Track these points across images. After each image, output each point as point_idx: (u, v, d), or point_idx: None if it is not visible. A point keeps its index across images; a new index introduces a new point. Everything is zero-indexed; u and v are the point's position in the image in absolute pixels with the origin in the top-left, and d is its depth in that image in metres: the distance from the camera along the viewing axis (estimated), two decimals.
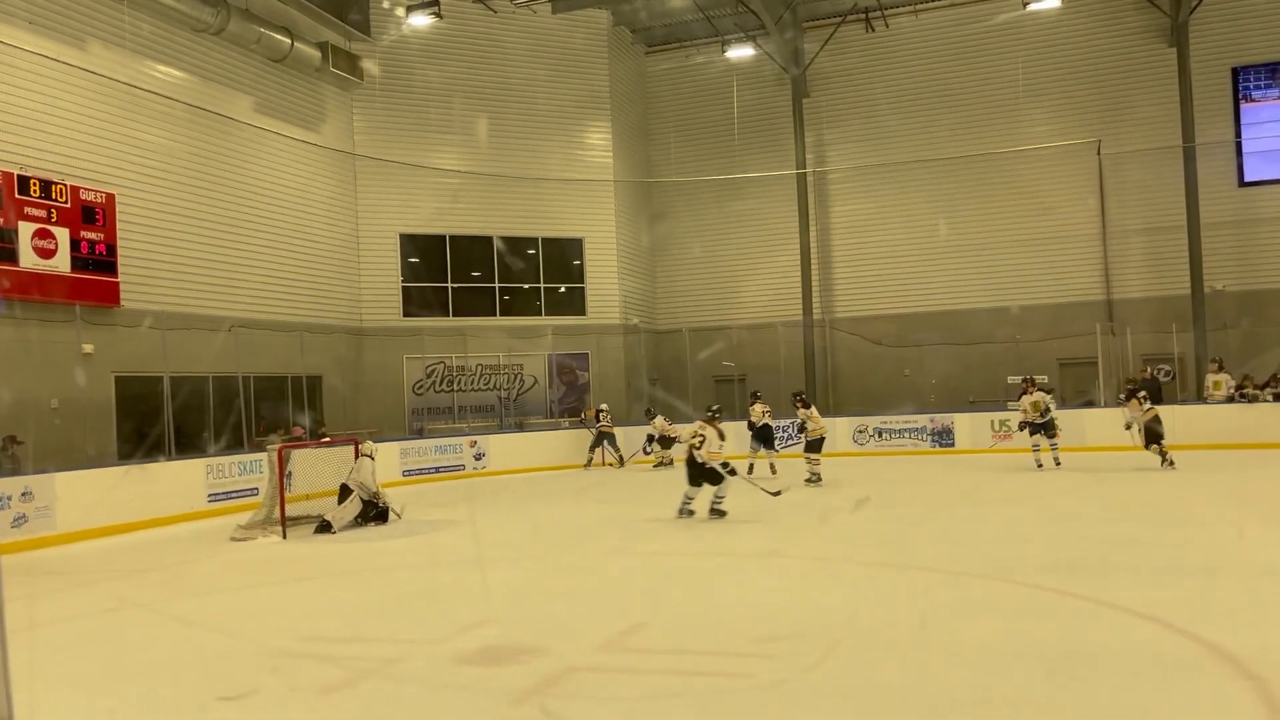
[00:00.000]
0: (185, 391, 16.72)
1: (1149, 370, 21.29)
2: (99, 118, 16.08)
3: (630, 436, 21.54)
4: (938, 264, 24.38)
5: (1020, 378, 18.92)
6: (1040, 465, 16.34)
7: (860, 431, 21.19)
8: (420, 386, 22.80)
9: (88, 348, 15.32)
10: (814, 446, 15.53)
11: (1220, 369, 19.80)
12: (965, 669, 5.38)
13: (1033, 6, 22.91)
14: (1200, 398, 20.24)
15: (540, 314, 24.20)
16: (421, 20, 22.04)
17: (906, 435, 20.87)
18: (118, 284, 15.95)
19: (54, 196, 14.90)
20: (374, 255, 22.50)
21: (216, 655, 6.52)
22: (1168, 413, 19.01)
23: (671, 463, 20.06)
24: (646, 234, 26.60)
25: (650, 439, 20.68)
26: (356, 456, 13.11)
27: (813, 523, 11.73)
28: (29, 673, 5.55)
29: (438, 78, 23.00)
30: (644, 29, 25.98)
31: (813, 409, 15.95)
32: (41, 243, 14.67)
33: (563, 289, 24.62)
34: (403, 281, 22.85)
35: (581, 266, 24.58)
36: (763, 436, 17.62)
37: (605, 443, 21.17)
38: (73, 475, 13.17)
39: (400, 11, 21.90)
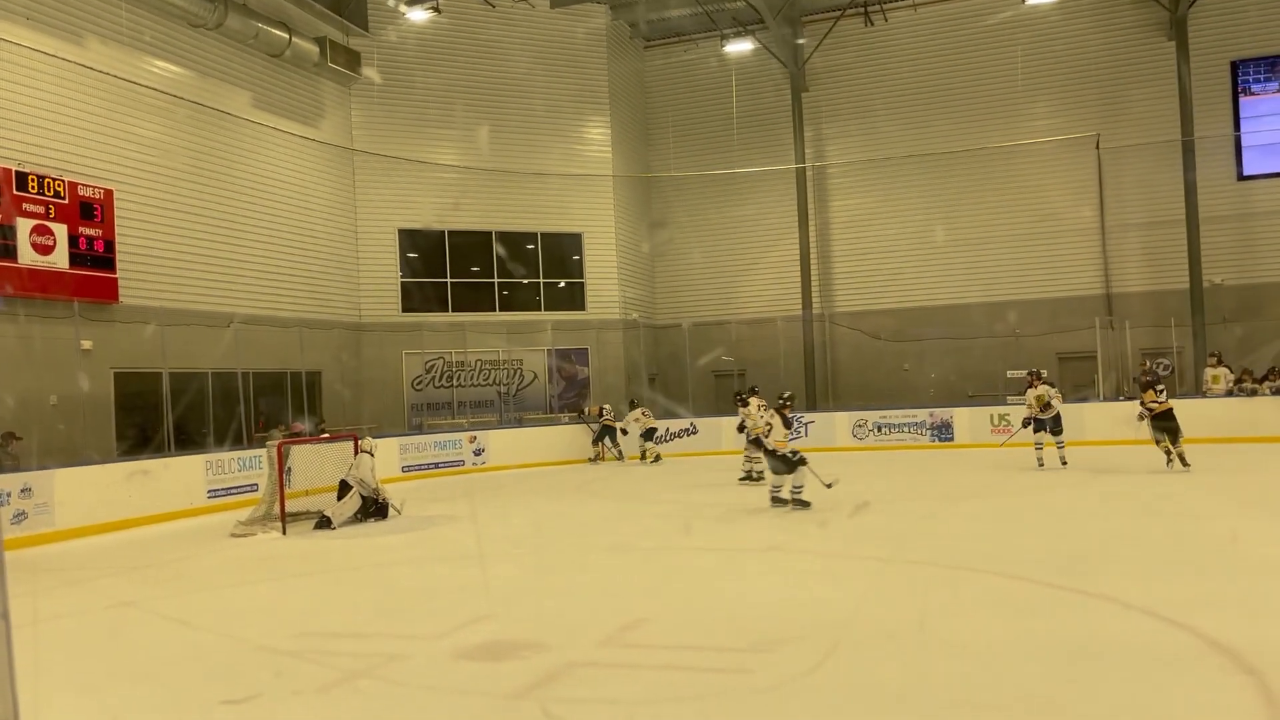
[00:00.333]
0: (184, 388, 16.72)
1: (1148, 364, 21.29)
2: (97, 113, 16.05)
3: (631, 432, 21.53)
4: (937, 259, 24.38)
5: (1024, 372, 18.88)
6: (1041, 464, 15.67)
7: (859, 426, 21.20)
8: (420, 382, 22.80)
9: (86, 344, 15.31)
10: (757, 443, 15.12)
11: (1219, 363, 19.82)
12: (966, 665, 5.39)
13: (1031, 1, 22.89)
14: (1199, 392, 20.26)
15: (540, 309, 24.19)
16: (420, 16, 22.01)
17: (906, 430, 20.88)
18: (116, 280, 15.94)
19: (52, 192, 14.87)
20: (373, 251, 22.48)
21: (217, 653, 6.53)
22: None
23: (659, 458, 20.21)
24: (646, 229, 26.59)
25: (623, 431, 20.83)
26: (356, 453, 13.12)
27: (813, 518, 11.73)
28: (33, 671, 5.56)
29: (436, 73, 22.98)
30: (642, 25, 25.92)
31: (751, 407, 15.73)
32: (40, 239, 14.65)
33: (562, 284, 24.62)
34: (402, 277, 22.84)
35: (581, 262, 24.57)
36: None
37: (608, 438, 21.19)
38: (72, 472, 13.18)
39: (399, 7, 21.85)
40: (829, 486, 11.93)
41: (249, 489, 15.03)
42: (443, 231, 23.19)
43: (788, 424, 12.08)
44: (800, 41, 25.16)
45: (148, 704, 5.42)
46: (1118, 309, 22.65)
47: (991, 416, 20.32)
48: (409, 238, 22.93)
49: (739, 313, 25.65)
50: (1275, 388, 19.01)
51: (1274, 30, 22.27)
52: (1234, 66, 22.62)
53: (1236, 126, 22.62)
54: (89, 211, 15.50)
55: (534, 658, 5.84)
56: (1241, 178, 22.62)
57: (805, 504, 11.79)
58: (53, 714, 5.12)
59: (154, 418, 16.08)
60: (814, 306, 25.09)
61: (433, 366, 22.93)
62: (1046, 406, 15.57)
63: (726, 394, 23.61)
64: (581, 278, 24.58)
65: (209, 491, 14.87)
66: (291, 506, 12.54)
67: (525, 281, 24.15)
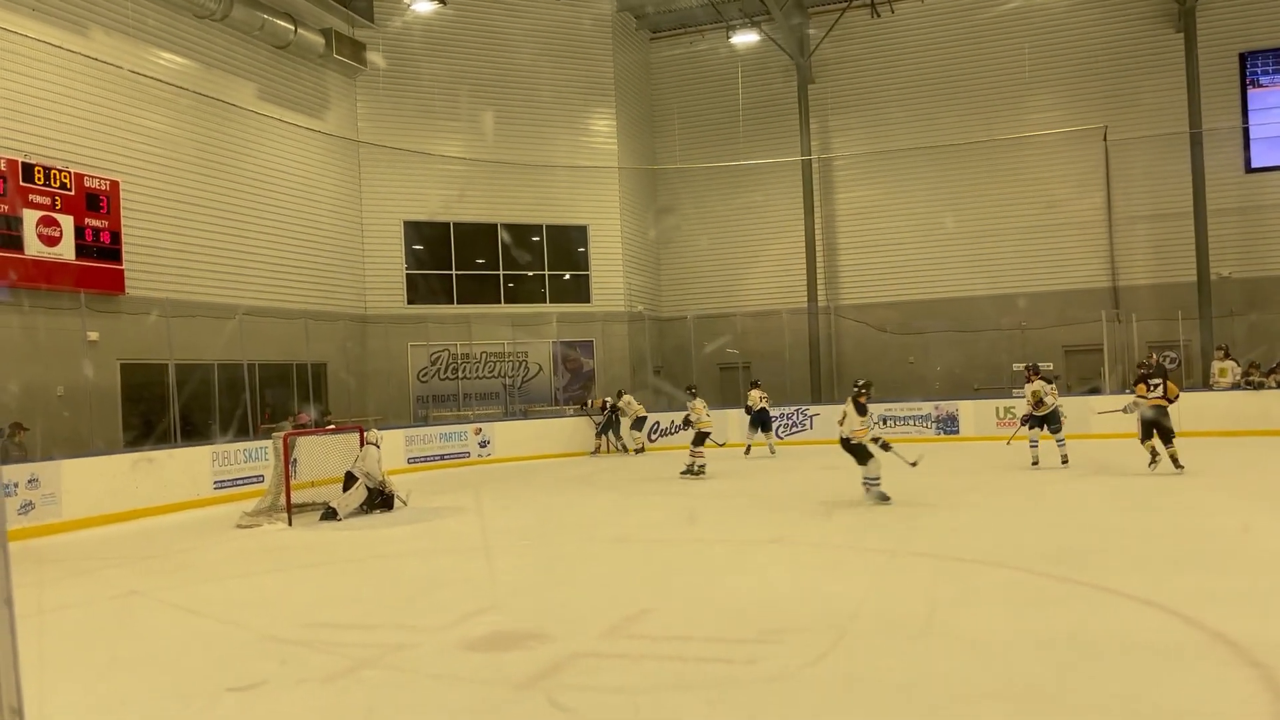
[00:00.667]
0: (190, 379, 16.75)
1: (1155, 357, 21.23)
2: (103, 104, 16.06)
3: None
4: (943, 251, 24.32)
5: (1023, 365, 18.83)
6: (1035, 463, 14.80)
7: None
8: (425, 374, 22.83)
9: (93, 335, 15.35)
10: (699, 439, 15.90)
11: (1226, 356, 19.75)
12: (970, 658, 5.39)
13: None
14: (1206, 385, 20.20)
15: (545, 301, 24.18)
16: (425, 7, 21.98)
17: (911, 422, 20.85)
18: (122, 271, 15.97)
19: (58, 184, 14.90)
20: (378, 243, 22.49)
21: (223, 643, 6.55)
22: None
23: (643, 449, 20.40)
24: (651, 221, 26.56)
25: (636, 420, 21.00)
26: (362, 445, 13.14)
27: (816, 510, 11.73)
28: (38, 660, 5.59)
29: (441, 65, 22.95)
30: (648, 15, 25.85)
31: (697, 402, 16.33)
32: (46, 230, 14.68)
33: (567, 276, 24.60)
34: (407, 269, 22.85)
35: (586, 254, 24.56)
36: (760, 421, 18.85)
37: (611, 431, 21.23)
38: (78, 463, 13.21)
39: None
40: (913, 465, 11.75)
41: (255, 480, 15.06)
42: (448, 223, 23.18)
43: (862, 411, 11.57)
44: (810, 31, 25.06)
45: (154, 692, 5.44)
46: (1124, 301, 22.60)
47: (997, 409, 20.27)
48: (414, 229, 22.93)
49: (744, 305, 25.62)
50: None
51: None
52: (1242, 58, 22.51)
53: (1245, 118, 22.51)
54: (95, 203, 15.52)
55: (539, 648, 5.85)
56: (1250, 170, 22.52)
57: (885, 498, 11.38)
58: (58, 702, 5.14)
59: (160, 409, 16.12)
60: (819, 299, 25.05)
61: (438, 358, 22.94)
62: (1039, 403, 14.74)
63: (732, 386, 23.64)
64: (587, 270, 24.57)
65: (215, 483, 14.92)
66: (297, 498, 12.58)
67: (530, 274, 24.15)
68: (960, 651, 5.49)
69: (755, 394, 18.94)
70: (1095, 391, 20.75)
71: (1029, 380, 15.31)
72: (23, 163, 14.41)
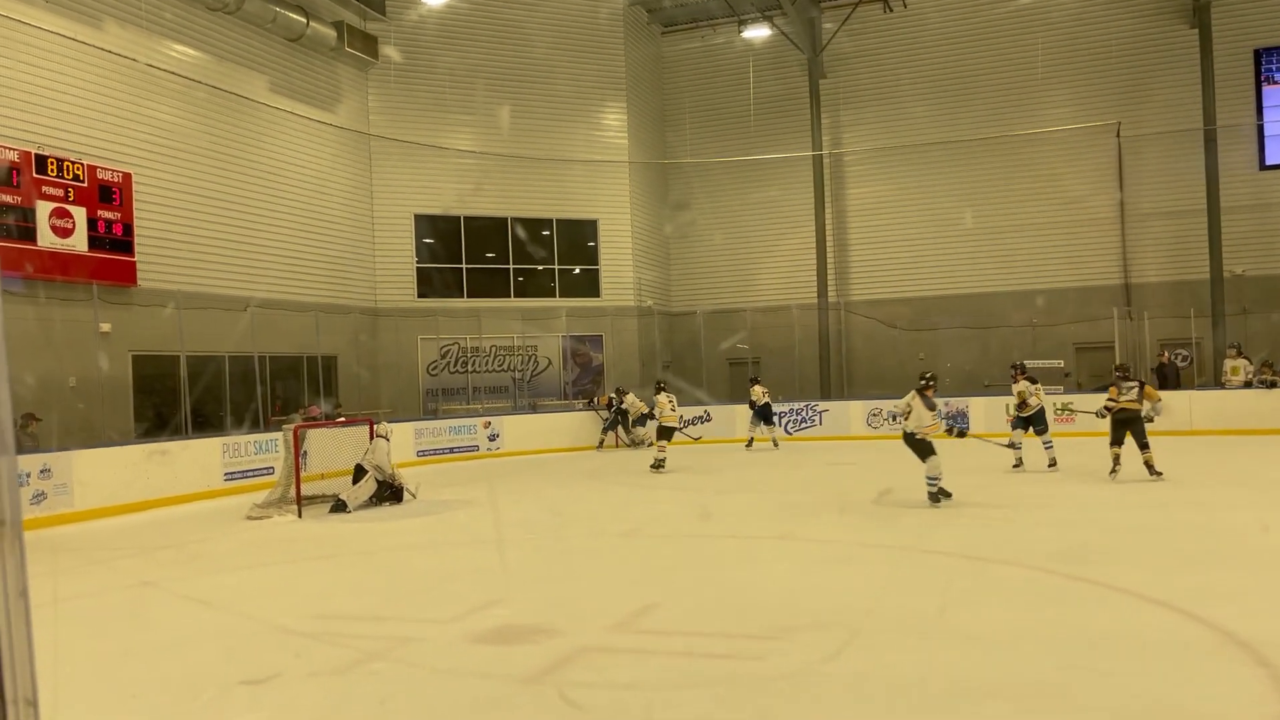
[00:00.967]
0: (202, 371, 16.83)
1: (1166, 354, 21.16)
2: (115, 97, 16.12)
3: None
4: (954, 247, 24.25)
5: (1040, 362, 18.73)
6: (1017, 464, 14.02)
7: (874, 415, 21.14)
8: (435, 367, 22.87)
9: (105, 327, 15.42)
10: (663, 433, 16.49)
11: (1239, 354, 19.67)
12: (979, 654, 5.39)
13: None
14: (1218, 383, 20.12)
15: (554, 296, 24.20)
16: (436, 0, 21.97)
17: None
18: (134, 263, 16.03)
19: (71, 175, 14.96)
20: (389, 236, 22.53)
21: (234, 634, 6.59)
22: (1183, 398, 18.97)
23: (644, 443, 20.53)
24: (662, 216, 26.54)
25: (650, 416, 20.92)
26: (371, 437, 13.19)
27: (825, 506, 11.74)
28: (53, 650, 5.63)
29: (453, 58, 22.95)
30: (661, 9, 25.81)
31: (661, 397, 16.83)
32: (59, 222, 14.75)
33: (577, 271, 24.61)
34: (418, 263, 22.89)
35: (596, 248, 24.56)
36: (763, 415, 19.48)
37: (621, 425, 21.25)
38: (90, 453, 13.30)
39: None
40: (1013, 448, 11.72)
41: (265, 472, 15.13)
42: (459, 217, 23.21)
43: (930, 405, 11.16)
44: (824, 25, 24.98)
45: (166, 683, 5.47)
46: (1137, 299, 22.50)
47: (1007, 406, 20.12)
48: (425, 223, 22.97)
49: (754, 300, 25.59)
50: None
51: None
52: (1257, 55, 22.36)
53: (1259, 115, 22.37)
54: (108, 195, 15.58)
55: (547, 642, 5.87)
56: (1264, 167, 22.38)
57: (946, 494, 11.09)
58: (72, 693, 5.18)
59: (171, 400, 16.20)
60: (830, 294, 25.00)
61: (448, 352, 22.99)
62: (1023, 404, 14.11)
63: (741, 381, 23.63)
64: (597, 264, 24.57)
65: (225, 474, 14.98)
66: (307, 490, 12.62)
67: (540, 268, 24.16)
68: (969, 648, 5.49)
69: (758, 389, 19.58)
70: (1107, 389, 20.66)
71: (1015, 380, 14.73)
72: (36, 154, 14.47)
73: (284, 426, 13.40)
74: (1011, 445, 12.14)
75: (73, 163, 15.01)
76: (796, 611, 6.45)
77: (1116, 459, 12.60)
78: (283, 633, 6.50)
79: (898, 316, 24.54)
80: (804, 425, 21.45)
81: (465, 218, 23.27)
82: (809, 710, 4.67)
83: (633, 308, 24.65)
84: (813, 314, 24.80)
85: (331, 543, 10.41)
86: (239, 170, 18.56)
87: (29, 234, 14.32)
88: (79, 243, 15.04)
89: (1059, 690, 4.77)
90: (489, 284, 23.63)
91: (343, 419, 16.52)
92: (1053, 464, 13.87)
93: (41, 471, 12.30)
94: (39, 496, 12.18)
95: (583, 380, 24.09)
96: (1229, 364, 19.75)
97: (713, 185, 26.30)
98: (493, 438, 20.41)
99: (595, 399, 22.25)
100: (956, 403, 20.80)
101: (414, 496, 13.14)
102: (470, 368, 23.17)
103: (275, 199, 19.39)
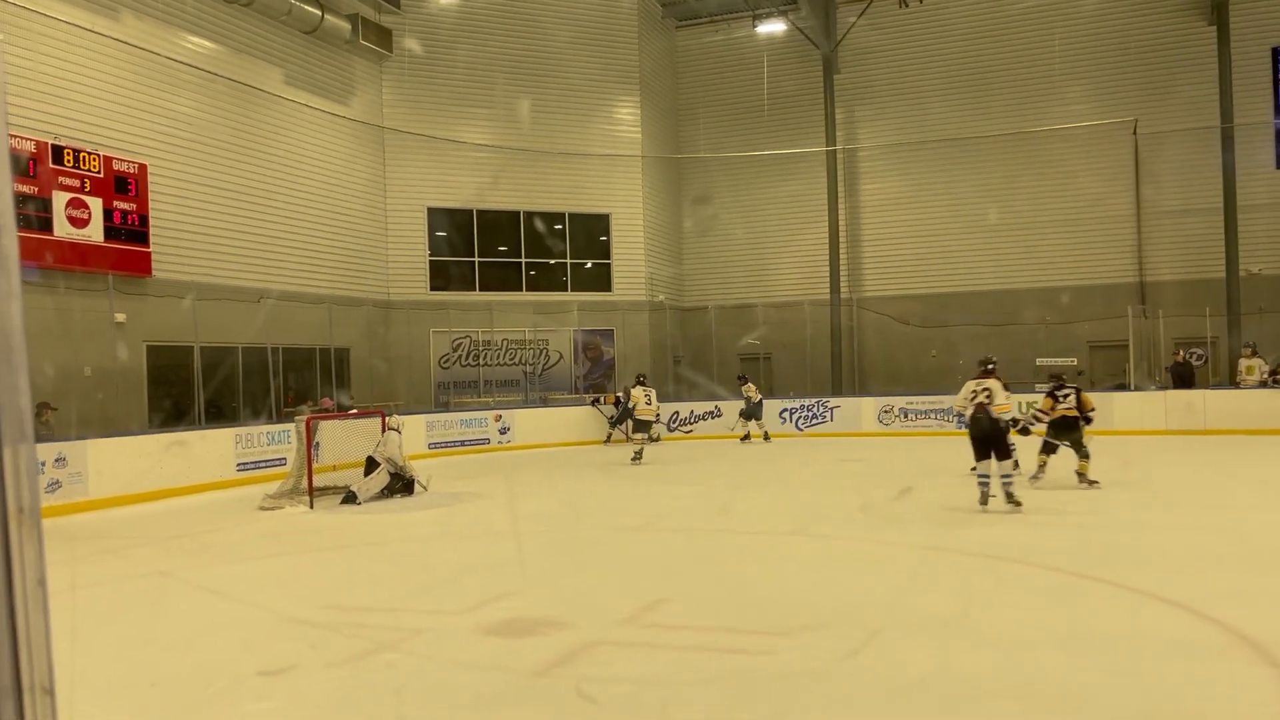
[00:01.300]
0: (216, 362, 16.91)
1: (1181, 353, 21.04)
2: (131, 88, 16.19)
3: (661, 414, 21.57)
4: (968, 244, 24.16)
5: (1054, 360, 18.58)
6: (974, 471, 12.61)
7: (885, 411, 21.10)
8: (446, 360, 22.93)
9: (120, 317, 15.51)
10: (639, 427, 17.63)
11: (1254, 354, 19.54)
12: (992, 653, 5.37)
13: None
14: (1233, 382, 20.00)
15: (566, 289, 24.21)
16: None
17: (932, 416, 20.76)
18: (150, 254, 16.11)
19: (87, 166, 15.03)
20: (402, 229, 22.58)
21: (247, 624, 6.63)
22: (1198, 398, 18.87)
23: (659, 438, 20.53)
24: (674, 211, 26.53)
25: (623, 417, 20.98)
26: (383, 430, 13.22)
27: (837, 502, 11.72)
28: (69, 639, 5.67)
29: (466, 51, 22.97)
30: (675, 3, 25.78)
31: (636, 391, 17.70)
32: (75, 212, 14.82)
33: (589, 265, 24.61)
34: (430, 255, 22.93)
35: (608, 242, 24.55)
36: (753, 412, 20.13)
37: (630, 420, 21.23)
38: (105, 442, 13.38)
39: None
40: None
41: (278, 463, 15.20)
42: (471, 210, 23.24)
43: (1007, 387, 10.46)
44: (841, 20, 24.89)
45: (181, 672, 5.51)
46: (1152, 297, 22.37)
47: (1020, 404, 20.10)
48: (438, 216, 23.00)
49: (766, 296, 25.55)
50: None
51: None
52: (1275, 53, 22.18)
53: (1277, 114, 22.20)
54: (123, 186, 15.65)
55: (557, 635, 5.88)
56: None
57: (1016, 503, 10.10)
58: (88, 681, 5.22)
59: (185, 391, 16.28)
60: (842, 290, 24.93)
61: (460, 345, 23.04)
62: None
63: (752, 377, 23.60)
64: (609, 258, 24.56)
65: (238, 465, 15.06)
66: (319, 481, 12.68)
67: (553, 261, 24.17)
68: (983, 647, 5.47)
69: (751, 387, 20.27)
70: (1121, 388, 20.59)
71: (978, 379, 13.80)
72: (53, 145, 14.55)
73: (296, 418, 13.46)
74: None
75: (89, 154, 15.08)
76: (809, 609, 6.45)
77: (1042, 465, 12.17)
78: (295, 623, 6.53)
79: (910, 313, 24.46)
80: (815, 421, 21.43)
81: (478, 211, 23.30)
82: (824, 706, 4.66)
83: (645, 302, 24.65)
84: (825, 310, 24.74)
85: (343, 534, 10.45)
86: (254, 162, 18.62)
87: (46, 224, 14.40)
88: (95, 233, 15.12)
89: (1070, 690, 4.75)
90: (501, 277, 23.67)
91: (355, 411, 16.58)
92: (1038, 474, 12.12)
93: (57, 460, 12.38)
94: (54, 485, 12.27)
95: (594, 374, 24.11)
96: (1244, 363, 19.63)
97: (726, 180, 26.25)
98: (504, 431, 20.45)
99: (601, 398, 22.20)
100: None
101: (425, 489, 13.18)
102: (482, 361, 23.22)
103: (289, 191, 19.45)
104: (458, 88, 22.97)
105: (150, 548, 9.92)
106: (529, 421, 20.88)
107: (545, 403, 22.57)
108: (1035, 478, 12.10)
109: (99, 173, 15.21)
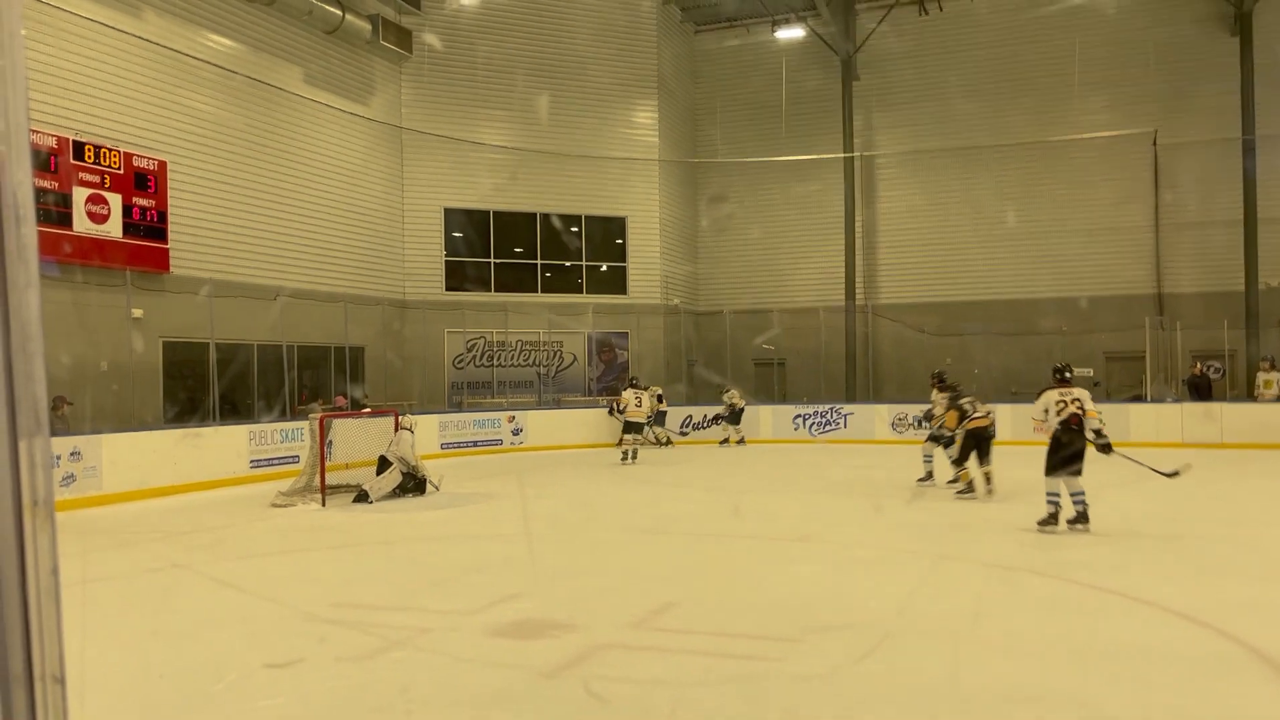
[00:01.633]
0: (231, 358, 16.99)
1: (1199, 366, 20.89)
2: (152, 85, 16.29)
3: (672, 417, 21.57)
4: (985, 252, 24.06)
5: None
6: (928, 477, 12.80)
7: (900, 420, 21.01)
8: (461, 360, 22.97)
9: (137, 313, 15.61)
10: (629, 428, 18.01)
11: (1272, 367, 19.39)
12: (1003, 663, 5.34)
13: None
14: (1251, 396, 19.85)
15: (582, 292, 24.23)
16: None
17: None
18: (168, 250, 16.21)
19: (108, 163, 15.14)
20: (418, 229, 22.65)
21: (257, 619, 6.65)
22: (1215, 411, 18.72)
23: (669, 441, 21.02)
24: (690, 214, 26.53)
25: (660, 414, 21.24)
26: (396, 429, 13.26)
27: (850, 509, 11.68)
28: (81, 630, 5.71)
29: (485, 53, 23.03)
30: (694, 8, 25.79)
31: (626, 394, 18.14)
32: (95, 208, 14.93)
33: (605, 268, 24.63)
34: (446, 256, 22.99)
35: (624, 245, 24.56)
36: (734, 419, 20.79)
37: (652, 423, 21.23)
38: (120, 437, 13.46)
39: None
40: (1173, 475, 9.84)
41: (291, 460, 15.26)
42: (488, 211, 23.30)
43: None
44: (861, 27, 24.85)
45: (191, 664, 5.53)
46: (1170, 309, 22.21)
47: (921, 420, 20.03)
48: (455, 216, 23.06)
49: (782, 301, 25.50)
50: None
51: None
52: None
53: None
54: (143, 182, 15.76)
55: (567, 637, 5.88)
56: None
57: (1084, 520, 9.32)
58: (98, 672, 5.24)
59: (200, 387, 16.37)
60: (858, 297, 24.87)
61: (474, 345, 23.09)
62: (930, 416, 13.05)
63: (766, 382, 23.58)
64: (624, 261, 24.57)
65: (251, 461, 15.12)
66: (331, 479, 12.73)
67: (568, 264, 24.20)
68: (994, 656, 5.44)
69: (735, 393, 20.90)
70: (1138, 399, 20.46)
71: (933, 388, 13.45)
72: (74, 141, 14.66)
73: (309, 416, 13.51)
74: (1174, 474, 9.86)
75: (110, 150, 15.19)
76: (820, 614, 6.42)
77: (970, 483, 11.93)
78: (305, 619, 6.55)
79: (926, 321, 24.37)
80: (828, 428, 21.37)
81: (494, 212, 23.35)
82: (834, 711, 4.65)
83: (659, 306, 24.65)
84: (840, 316, 24.69)
85: (354, 532, 10.48)
86: (272, 160, 18.71)
87: (66, 219, 14.51)
88: (114, 229, 15.22)
89: (1081, 700, 4.72)
90: (517, 279, 23.70)
91: (368, 410, 16.64)
92: (987, 485, 11.39)
93: (72, 454, 12.46)
94: (69, 479, 12.35)
95: (607, 377, 24.11)
96: (1262, 377, 19.47)
97: (743, 185, 26.24)
98: (517, 432, 20.47)
99: (615, 404, 22.16)
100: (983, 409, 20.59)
101: (437, 489, 13.20)
102: (496, 362, 23.26)
103: (307, 189, 19.54)
104: (476, 89, 23.03)
105: (162, 542, 9.97)
106: (542, 423, 20.90)
107: (559, 404, 22.58)
108: (961, 490, 11.96)
109: (119, 169, 15.31)
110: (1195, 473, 12.38)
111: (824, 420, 21.40)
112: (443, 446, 18.85)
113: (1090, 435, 9.34)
